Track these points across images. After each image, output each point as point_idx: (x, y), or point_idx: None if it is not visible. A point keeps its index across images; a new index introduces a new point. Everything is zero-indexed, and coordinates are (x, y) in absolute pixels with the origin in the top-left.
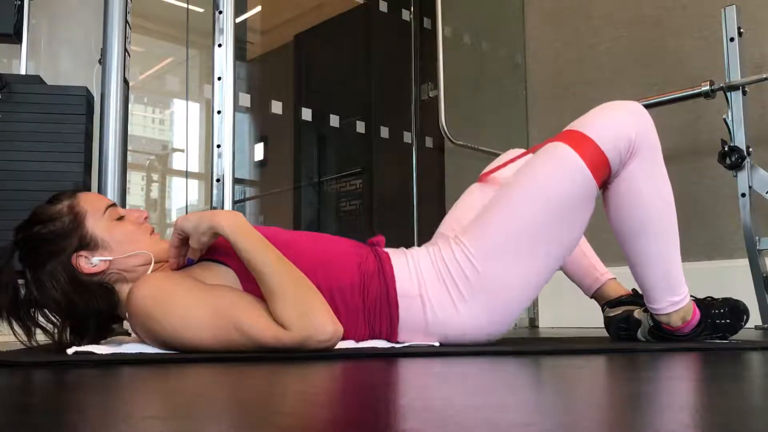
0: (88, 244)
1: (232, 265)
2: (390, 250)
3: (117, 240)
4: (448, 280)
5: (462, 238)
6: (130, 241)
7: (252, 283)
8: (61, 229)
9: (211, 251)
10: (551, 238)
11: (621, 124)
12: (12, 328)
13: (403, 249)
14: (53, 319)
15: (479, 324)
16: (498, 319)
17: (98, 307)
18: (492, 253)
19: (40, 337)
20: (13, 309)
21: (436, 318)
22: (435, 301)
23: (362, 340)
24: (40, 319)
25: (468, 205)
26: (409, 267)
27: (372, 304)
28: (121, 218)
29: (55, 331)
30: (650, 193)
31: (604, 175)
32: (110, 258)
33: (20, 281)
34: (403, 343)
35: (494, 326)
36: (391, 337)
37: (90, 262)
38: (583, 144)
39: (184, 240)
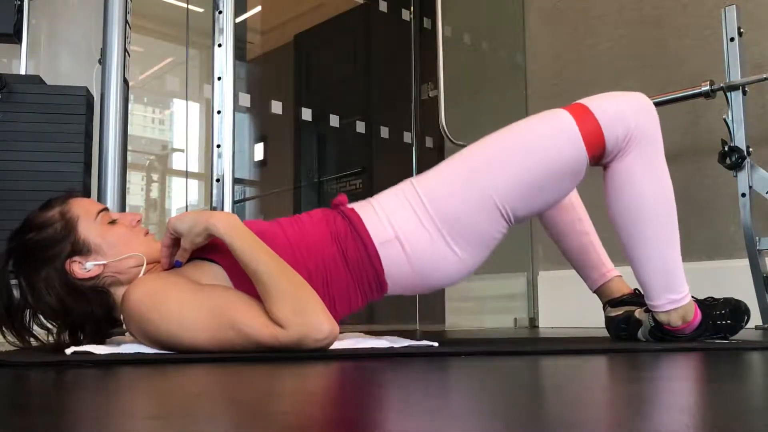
0: (81, 250)
1: (221, 263)
2: (355, 205)
3: (110, 243)
4: (420, 212)
5: (431, 171)
6: (123, 244)
7: (242, 281)
8: (53, 236)
9: (200, 250)
10: (522, 189)
11: (625, 110)
12: (3, 335)
13: (368, 199)
14: (49, 324)
15: (456, 251)
16: (472, 247)
17: (94, 311)
18: (462, 183)
19: (40, 336)
20: (6, 316)
21: (416, 253)
22: (411, 237)
23: (359, 307)
24: (36, 328)
25: None
26: (378, 214)
27: (354, 263)
28: (113, 222)
29: (49, 336)
30: (648, 185)
31: (597, 151)
32: (104, 262)
33: (13, 282)
34: (403, 343)
35: (471, 256)
36: (381, 290)
37: (84, 267)
38: (582, 114)
39: (176, 240)
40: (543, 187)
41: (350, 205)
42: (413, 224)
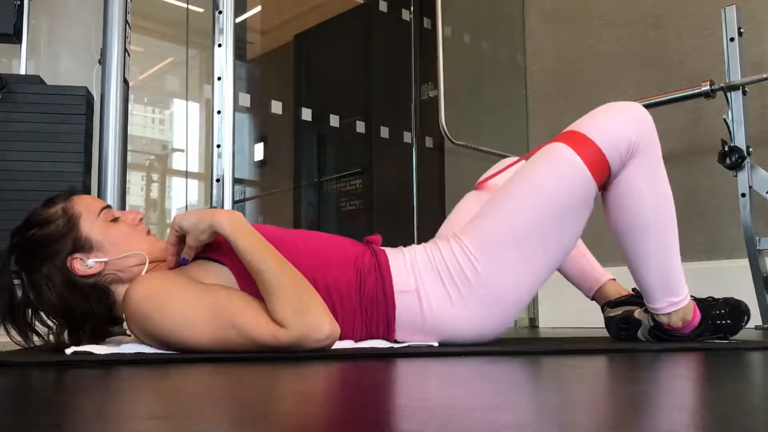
0: (83, 246)
1: (227, 264)
2: (387, 249)
3: (112, 241)
4: (445, 276)
5: (460, 236)
6: (125, 242)
7: (249, 282)
8: (55, 232)
9: (206, 250)
10: (550, 237)
11: (622, 125)
12: (8, 332)
13: (400, 247)
14: (50, 322)
15: (475, 322)
16: (495, 317)
17: (94, 309)
18: (490, 251)
19: (41, 331)
20: (9, 313)
21: (432, 314)
22: (432, 297)
23: (360, 339)
24: (37, 324)
25: (465, 211)
26: (406, 263)
27: (368, 301)
28: (115, 220)
29: (51, 334)
30: (649, 193)
31: (604, 176)
32: (105, 259)
33: (16, 281)
34: (402, 342)
35: (491, 325)
36: (389, 335)
37: (85, 264)
38: (583, 145)
39: (181, 238)
40: (567, 231)
41: (382, 247)
42: (436, 289)
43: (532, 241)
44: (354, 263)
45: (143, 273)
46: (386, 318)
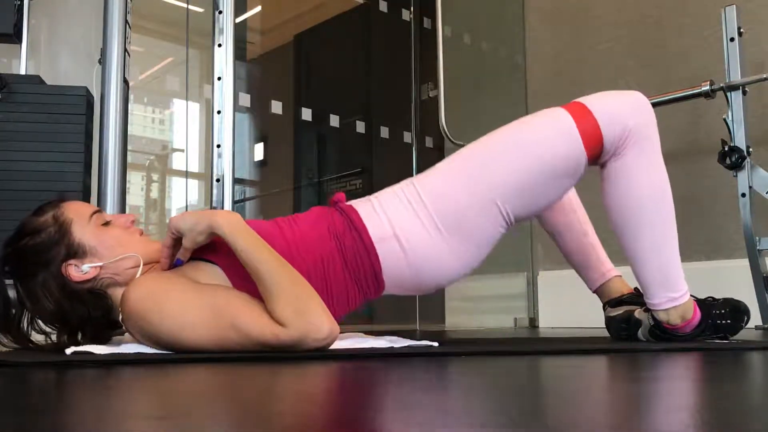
0: (77, 252)
1: (220, 264)
2: (354, 202)
3: (105, 245)
4: (419, 210)
5: (431, 171)
6: (119, 245)
7: (241, 281)
8: (48, 240)
9: (197, 251)
10: (524, 188)
11: (622, 108)
12: (3, 343)
13: (367, 197)
14: (48, 328)
15: (452, 252)
16: (469, 248)
17: (92, 313)
18: (462, 182)
19: (39, 338)
20: (4, 323)
21: (414, 252)
22: (410, 235)
23: (356, 305)
24: (34, 334)
25: None
26: (377, 211)
27: (352, 260)
28: (107, 223)
29: (47, 341)
30: (647, 184)
31: (595, 150)
32: (100, 264)
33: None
34: (403, 343)
35: (467, 257)
36: (379, 289)
37: (80, 270)
38: (581, 113)
39: (177, 240)
40: (542, 186)
41: (349, 202)
42: (412, 222)
43: (507, 183)
44: (328, 230)
45: (139, 274)
46: (373, 272)
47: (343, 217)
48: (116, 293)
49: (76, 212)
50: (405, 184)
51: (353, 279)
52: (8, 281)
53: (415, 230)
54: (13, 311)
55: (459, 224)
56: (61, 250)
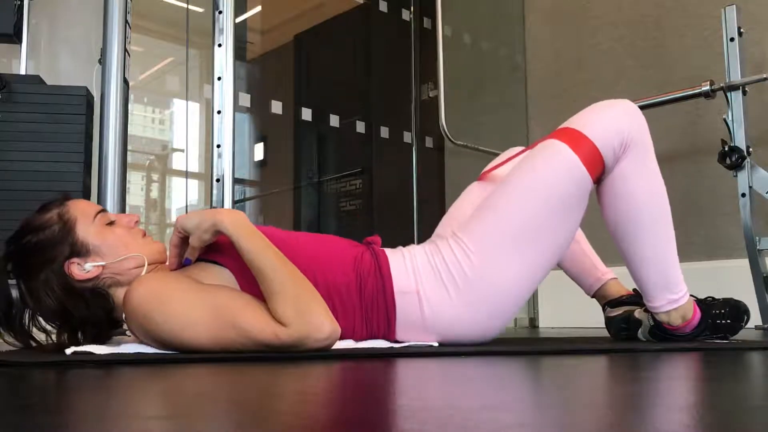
0: (80, 251)
1: (228, 265)
2: (387, 249)
3: (109, 245)
4: (444, 275)
5: (459, 234)
6: (122, 245)
7: (249, 283)
8: (51, 238)
9: (206, 251)
10: (547, 233)
11: (614, 121)
12: (4, 339)
13: (399, 248)
14: (49, 326)
15: (475, 319)
16: (494, 315)
17: (93, 313)
18: (488, 249)
19: (40, 336)
20: (6, 319)
21: (432, 313)
22: (432, 297)
23: (361, 339)
24: (35, 331)
25: (466, 204)
26: (406, 264)
27: (369, 302)
28: (111, 223)
29: (49, 340)
30: (642, 188)
31: (598, 170)
32: (103, 263)
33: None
34: (402, 342)
35: (490, 323)
36: (389, 335)
37: (83, 269)
38: (578, 141)
39: (184, 239)
40: (565, 227)
41: (382, 248)
42: (435, 286)
43: (530, 237)
44: (353, 264)
45: (142, 275)
46: (387, 318)
47: (372, 258)
48: (118, 293)
49: (80, 211)
50: (441, 243)
51: (364, 317)
52: (11, 281)
53: (437, 292)
54: (14, 311)
55: (494, 299)
56: (65, 248)
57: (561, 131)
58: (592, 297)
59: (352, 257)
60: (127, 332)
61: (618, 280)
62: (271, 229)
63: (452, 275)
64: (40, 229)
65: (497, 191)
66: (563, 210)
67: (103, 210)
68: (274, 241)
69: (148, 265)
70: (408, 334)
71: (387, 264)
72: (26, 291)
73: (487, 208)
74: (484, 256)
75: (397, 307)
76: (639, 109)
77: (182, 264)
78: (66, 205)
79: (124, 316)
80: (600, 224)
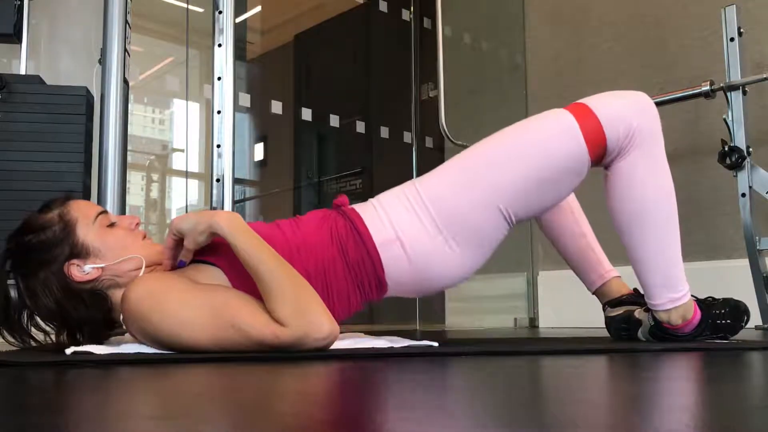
0: (80, 252)
1: (220, 265)
2: (356, 205)
3: (109, 246)
4: (419, 208)
5: (433, 173)
6: (122, 247)
7: (242, 283)
8: (52, 238)
9: (199, 252)
10: (528, 189)
11: (626, 109)
12: (4, 338)
13: (369, 200)
14: (47, 327)
15: (456, 253)
16: (470, 250)
17: (92, 314)
18: (468, 183)
19: (39, 337)
20: (5, 317)
21: (416, 254)
22: (413, 238)
23: (357, 308)
24: (33, 331)
25: None
26: (379, 214)
27: (355, 264)
28: (112, 225)
29: (47, 339)
30: (651, 184)
31: (598, 152)
32: (102, 265)
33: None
34: (403, 343)
35: (471, 257)
36: (381, 290)
37: (82, 270)
38: (583, 114)
39: (179, 241)
40: (544, 187)
41: (351, 206)
42: (414, 225)
43: (510, 185)
44: (330, 234)
45: (139, 276)
46: (376, 276)
47: (345, 221)
48: (117, 294)
49: (81, 212)
50: (407, 186)
51: (355, 283)
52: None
53: (418, 233)
54: (12, 309)
55: (462, 227)
56: (65, 249)
57: (570, 105)
58: (593, 293)
59: (327, 227)
60: (126, 333)
61: (621, 278)
62: (258, 225)
63: (429, 211)
64: (40, 229)
65: (487, 138)
66: (549, 173)
67: (105, 211)
68: (260, 234)
69: (147, 267)
70: (399, 285)
71: (361, 221)
72: (24, 290)
73: (473, 148)
74: (462, 190)
75: (383, 261)
76: (654, 105)
77: (177, 266)
78: (67, 205)
79: (122, 317)
80: (604, 224)
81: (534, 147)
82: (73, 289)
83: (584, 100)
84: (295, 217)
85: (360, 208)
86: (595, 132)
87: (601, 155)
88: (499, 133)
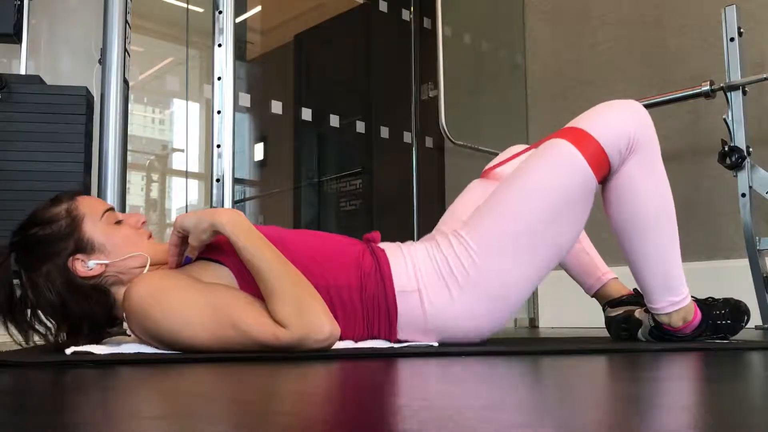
0: (85, 248)
1: (228, 264)
2: (385, 246)
3: (114, 243)
4: (445, 273)
5: (460, 231)
6: (127, 245)
7: (249, 282)
8: (58, 232)
9: (206, 250)
10: (550, 233)
11: (621, 122)
12: (8, 330)
13: (398, 244)
14: (48, 322)
15: (476, 317)
16: (494, 313)
17: (93, 310)
18: (490, 247)
19: (38, 338)
20: (8, 310)
21: (433, 311)
22: (432, 295)
23: (361, 339)
24: (37, 324)
25: (468, 201)
26: (406, 263)
27: (370, 303)
28: (119, 222)
29: (49, 333)
30: (649, 190)
31: (604, 171)
32: (106, 261)
33: (15, 281)
34: (403, 342)
35: (490, 321)
36: (390, 336)
37: (86, 266)
38: (583, 141)
39: (183, 238)
40: (566, 228)
41: (381, 245)
42: (436, 284)
43: (533, 236)
44: (354, 264)
45: (143, 273)
46: (388, 319)
47: (372, 258)
48: (119, 292)
49: (89, 208)
50: (440, 238)
51: (365, 318)
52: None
53: (440, 292)
54: (15, 300)
55: (488, 295)
56: (70, 244)
57: (566, 130)
58: (593, 297)
59: (353, 256)
60: (127, 332)
61: (618, 279)
62: (270, 228)
63: (453, 273)
64: (47, 223)
65: (501, 189)
66: (567, 210)
67: (112, 208)
68: (274, 240)
69: (151, 266)
70: (409, 334)
71: (387, 264)
72: (27, 282)
73: (490, 206)
74: (486, 254)
75: (398, 308)
76: (645, 110)
77: (182, 263)
78: (76, 200)
79: (124, 314)
80: (601, 224)
81: (548, 195)
82: (76, 284)
83: (579, 124)
84: (327, 233)
85: (389, 250)
86: (597, 156)
87: (607, 173)
88: (508, 185)
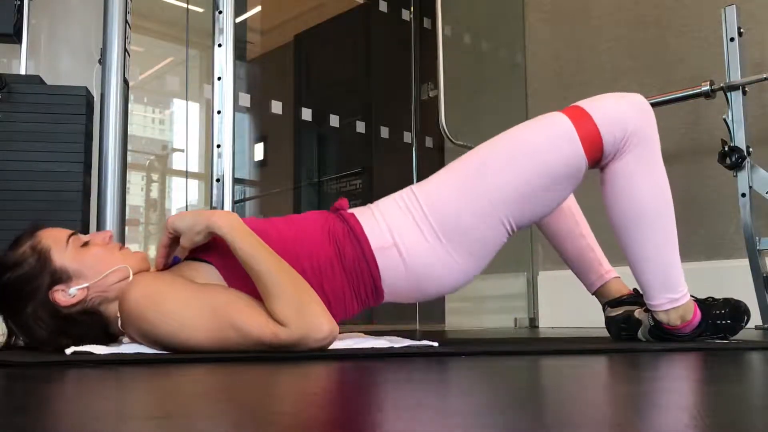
0: (61, 278)
1: (214, 263)
2: (354, 210)
3: (88, 265)
4: (418, 216)
5: (432, 179)
6: (101, 263)
7: (236, 281)
8: (29, 271)
9: (192, 250)
10: (526, 195)
11: (622, 111)
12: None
13: (368, 205)
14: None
15: (450, 262)
16: (468, 259)
17: (88, 332)
18: (464, 193)
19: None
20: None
21: (413, 261)
22: (410, 245)
23: (353, 313)
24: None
25: None
26: (377, 219)
27: (351, 268)
28: (85, 244)
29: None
30: (647, 187)
31: (595, 155)
32: (87, 284)
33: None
34: (403, 343)
35: (465, 267)
36: (378, 297)
37: (67, 294)
38: (580, 118)
39: (174, 239)
40: (542, 193)
41: (349, 210)
42: (412, 232)
43: (509, 193)
44: (327, 234)
45: (130, 279)
46: (372, 281)
47: (343, 224)
48: (109, 309)
49: (52, 238)
50: (405, 192)
51: (351, 287)
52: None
53: (416, 240)
54: (9, 346)
55: (461, 235)
56: (45, 278)
57: (566, 108)
58: (593, 294)
59: (325, 228)
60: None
61: (621, 279)
62: (250, 220)
63: (426, 217)
64: (16, 265)
65: (487, 144)
66: (547, 178)
67: (75, 233)
68: (255, 231)
69: (134, 275)
70: (394, 290)
71: (359, 224)
72: (16, 327)
73: (471, 154)
74: (460, 196)
75: (379, 266)
76: (650, 107)
77: (169, 264)
78: (36, 235)
79: (120, 323)
80: (602, 225)
81: (531, 152)
82: (64, 315)
83: (580, 103)
84: (290, 215)
85: (358, 212)
86: (592, 136)
87: (598, 158)
88: (496, 138)
